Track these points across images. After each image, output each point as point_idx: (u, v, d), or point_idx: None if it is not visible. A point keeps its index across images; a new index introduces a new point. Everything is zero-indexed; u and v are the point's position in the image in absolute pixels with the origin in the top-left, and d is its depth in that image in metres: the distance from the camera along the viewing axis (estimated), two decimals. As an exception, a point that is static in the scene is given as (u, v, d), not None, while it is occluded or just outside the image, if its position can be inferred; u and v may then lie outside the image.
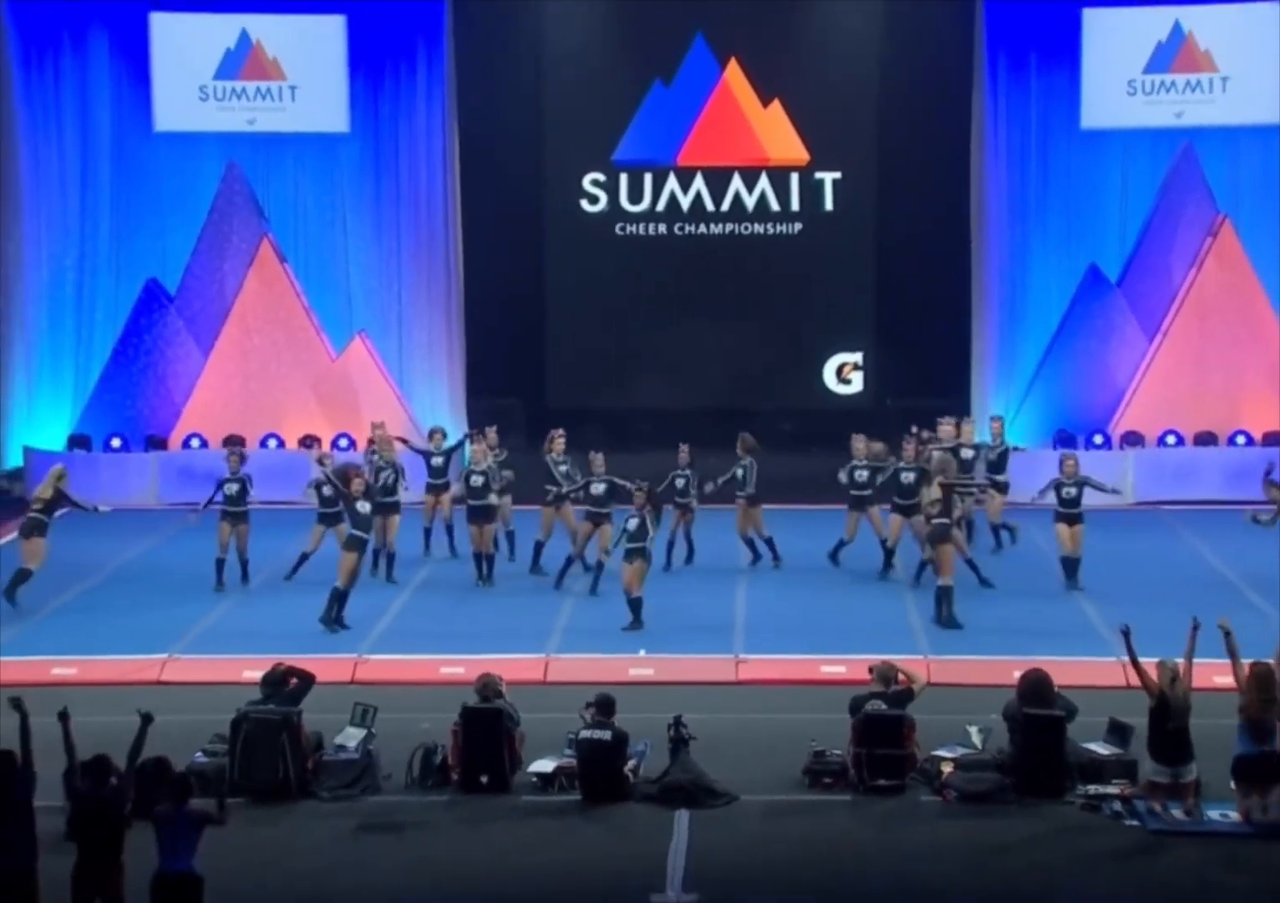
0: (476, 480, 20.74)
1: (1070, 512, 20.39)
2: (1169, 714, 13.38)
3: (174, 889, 10.94)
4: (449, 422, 26.79)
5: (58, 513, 20.62)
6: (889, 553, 21.00)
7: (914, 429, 21.39)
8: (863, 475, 21.04)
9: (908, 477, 20.75)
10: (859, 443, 21.22)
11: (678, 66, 27.42)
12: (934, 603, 18.94)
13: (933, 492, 19.43)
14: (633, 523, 18.94)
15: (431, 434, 22.33)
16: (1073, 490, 20.43)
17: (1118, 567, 21.54)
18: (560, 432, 21.44)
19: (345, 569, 18.87)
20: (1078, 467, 20.63)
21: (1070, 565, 20.51)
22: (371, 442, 22.41)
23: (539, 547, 21.16)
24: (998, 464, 21.94)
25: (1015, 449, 22.58)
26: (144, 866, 11.07)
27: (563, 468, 21.13)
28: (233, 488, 20.94)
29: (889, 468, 20.86)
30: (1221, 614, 13.81)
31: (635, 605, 18.80)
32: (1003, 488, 22.00)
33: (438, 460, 21.87)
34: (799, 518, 22.84)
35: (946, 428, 21.67)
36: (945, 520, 19.06)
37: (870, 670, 14.69)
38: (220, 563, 20.79)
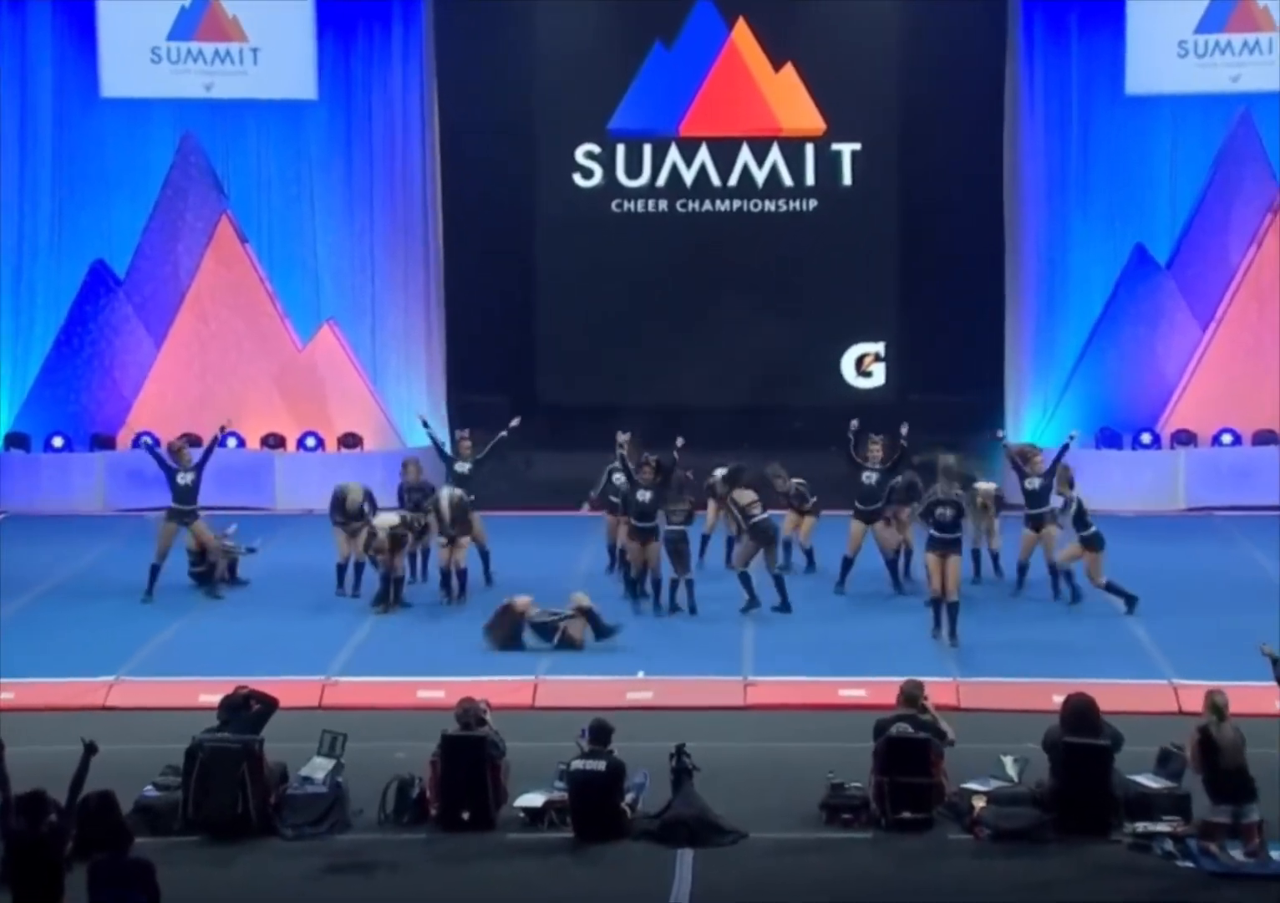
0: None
1: (1038, 512, 20.44)
2: (1217, 754, 13.30)
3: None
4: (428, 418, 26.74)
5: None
6: (847, 563, 21.00)
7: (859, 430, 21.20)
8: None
9: (870, 478, 20.83)
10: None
11: (680, 27, 27.39)
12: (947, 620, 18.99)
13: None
14: (646, 495, 19.81)
15: (405, 466, 21.88)
16: (1035, 482, 20.47)
17: (1167, 578, 21.47)
18: (680, 442, 21.05)
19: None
20: (1044, 462, 20.67)
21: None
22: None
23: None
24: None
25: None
26: (86, 911, 10.99)
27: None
28: (187, 478, 20.93)
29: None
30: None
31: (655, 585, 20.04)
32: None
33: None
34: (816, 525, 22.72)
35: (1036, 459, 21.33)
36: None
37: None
38: (156, 570, 20.78)
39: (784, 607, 20.06)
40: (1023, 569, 20.71)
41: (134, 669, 18.09)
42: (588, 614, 18.86)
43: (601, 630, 18.80)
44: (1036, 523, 20.49)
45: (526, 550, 22.33)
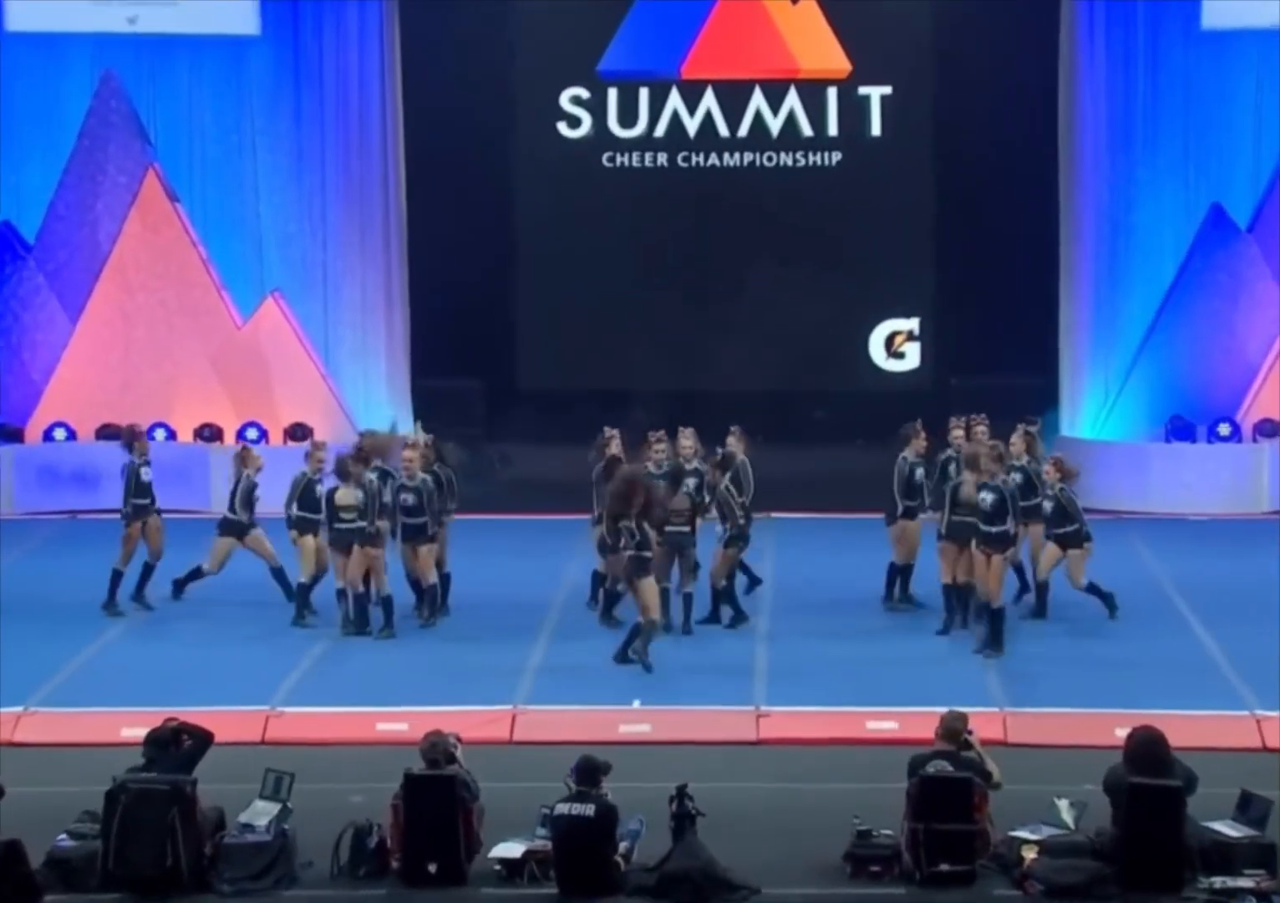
0: (408, 499, 20.52)
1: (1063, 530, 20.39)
2: None
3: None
4: (388, 407, 26.74)
5: None
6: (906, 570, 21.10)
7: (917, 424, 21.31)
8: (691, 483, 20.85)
9: (917, 474, 20.87)
10: (685, 440, 21.04)
11: (682, -49, 27.52)
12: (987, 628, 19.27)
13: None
14: None
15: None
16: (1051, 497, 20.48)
17: (1249, 591, 21.52)
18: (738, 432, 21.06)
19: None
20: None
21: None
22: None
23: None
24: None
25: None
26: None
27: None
28: (148, 474, 21.12)
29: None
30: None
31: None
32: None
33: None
34: (838, 528, 22.77)
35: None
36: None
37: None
38: (118, 576, 20.88)
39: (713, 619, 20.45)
40: (1043, 588, 20.70)
41: (46, 699, 18.04)
42: (643, 629, 18.95)
43: (633, 649, 18.95)
44: (1062, 541, 20.43)
45: (500, 562, 22.32)
